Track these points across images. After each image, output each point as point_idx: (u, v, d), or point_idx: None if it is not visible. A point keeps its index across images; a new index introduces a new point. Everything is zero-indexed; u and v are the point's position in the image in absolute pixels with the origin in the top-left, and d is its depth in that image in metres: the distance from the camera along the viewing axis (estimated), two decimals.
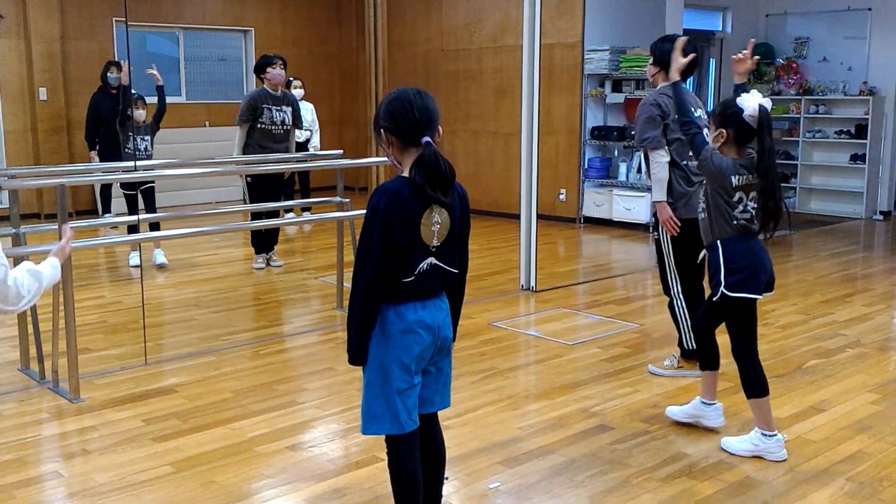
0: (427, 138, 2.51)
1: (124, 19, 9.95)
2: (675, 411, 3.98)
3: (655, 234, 4.55)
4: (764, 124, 3.46)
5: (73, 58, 10.06)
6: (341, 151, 7.13)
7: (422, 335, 2.57)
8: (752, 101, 3.48)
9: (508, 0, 9.82)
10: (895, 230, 9.44)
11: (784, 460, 3.56)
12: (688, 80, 4.71)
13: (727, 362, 4.76)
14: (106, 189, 9.74)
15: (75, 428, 3.93)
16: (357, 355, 2.59)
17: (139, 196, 7.04)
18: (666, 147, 4.42)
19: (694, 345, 4.54)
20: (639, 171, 9.37)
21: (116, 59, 9.67)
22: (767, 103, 3.50)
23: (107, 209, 9.70)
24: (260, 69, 7.08)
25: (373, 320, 2.55)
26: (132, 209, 7.15)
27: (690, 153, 4.36)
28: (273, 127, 7.00)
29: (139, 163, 6.32)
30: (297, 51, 11.71)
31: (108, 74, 9.39)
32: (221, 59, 11.70)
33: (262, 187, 7.01)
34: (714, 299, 3.60)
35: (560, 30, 9.44)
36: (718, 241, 3.58)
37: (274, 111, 6.99)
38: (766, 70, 11.06)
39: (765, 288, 3.61)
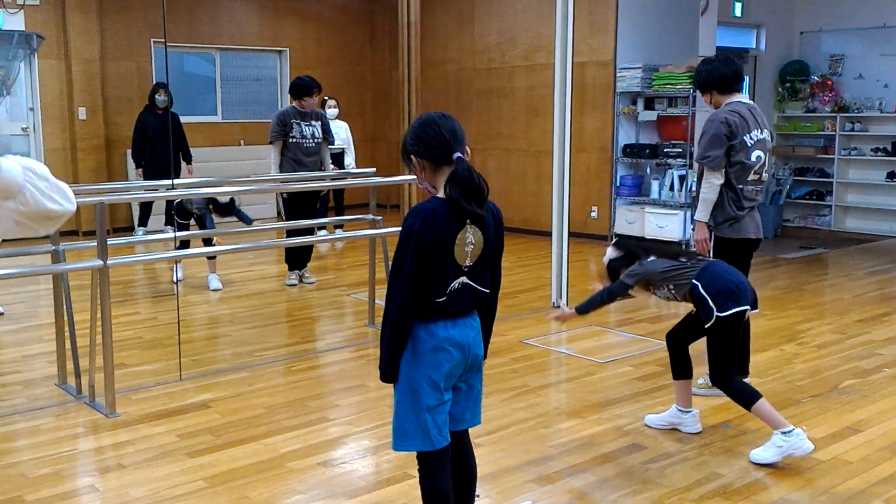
0: (458, 154, 2.53)
1: (163, 40, 10.21)
2: (652, 419, 4.11)
3: (695, 250, 4.52)
4: None
5: (112, 78, 10.25)
6: (374, 169, 7.20)
7: (452, 353, 2.59)
8: None
9: (540, 18, 9.86)
10: None
11: (812, 451, 3.61)
12: (742, 89, 4.65)
13: (760, 381, 4.71)
14: (146, 206, 9.89)
15: (111, 442, 3.98)
16: (389, 373, 2.61)
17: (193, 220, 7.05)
18: (724, 170, 4.33)
19: None
20: (671, 188, 9.32)
21: (163, 82, 9.82)
22: None
23: (143, 224, 9.84)
24: (298, 93, 7.14)
25: (405, 340, 2.57)
26: (170, 223, 7.24)
27: (749, 178, 4.36)
28: (304, 141, 7.09)
29: (176, 181, 6.40)
30: (331, 70, 11.83)
31: (156, 96, 9.57)
32: (257, 79, 11.86)
33: (298, 204, 7.09)
34: (707, 326, 3.71)
35: (592, 48, 9.45)
36: (693, 282, 3.75)
37: (303, 126, 7.08)
38: (801, 87, 10.98)
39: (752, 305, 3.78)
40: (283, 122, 7.04)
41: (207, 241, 6.93)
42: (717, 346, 3.74)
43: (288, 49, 11.74)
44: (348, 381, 4.86)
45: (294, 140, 7.06)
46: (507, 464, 3.69)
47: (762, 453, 3.67)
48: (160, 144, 9.38)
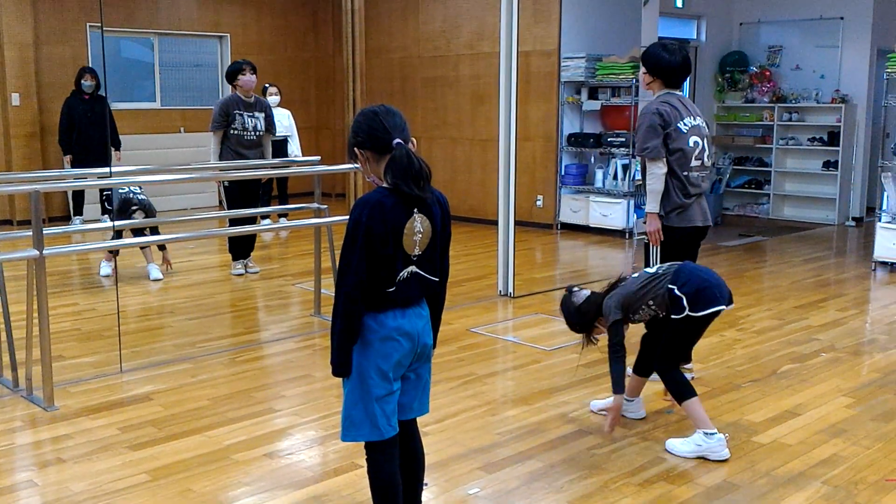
0: (397, 140, 2.51)
1: (99, 24, 9.94)
2: (598, 404, 4.18)
3: (645, 238, 4.57)
4: None
5: (47, 63, 9.96)
6: (318, 158, 7.12)
7: (401, 342, 2.57)
8: None
9: (485, 7, 9.86)
10: (867, 236, 9.54)
11: (726, 459, 3.61)
12: (683, 86, 4.72)
13: (701, 366, 4.80)
14: (78, 194, 9.66)
15: (50, 436, 3.88)
16: (341, 367, 2.58)
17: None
18: (665, 159, 4.37)
19: None
20: (615, 177, 9.43)
21: (90, 67, 9.61)
22: None
23: (78, 213, 9.62)
24: (231, 76, 7.03)
25: (356, 332, 2.55)
26: (107, 213, 7.08)
27: (692, 164, 4.40)
28: (245, 133, 6.96)
29: (114, 168, 6.25)
30: (273, 57, 11.67)
31: (82, 81, 9.36)
32: (197, 64, 11.64)
33: (239, 193, 6.97)
34: (675, 317, 3.69)
35: (537, 37, 9.48)
36: (668, 286, 3.70)
37: (246, 117, 6.95)
38: (740, 78, 11.18)
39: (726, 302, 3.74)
40: (225, 112, 6.90)
41: (153, 230, 6.79)
42: (676, 338, 3.75)
43: (228, 35, 11.54)
44: (294, 372, 4.81)
45: (235, 131, 6.93)
46: (455, 452, 3.70)
47: (679, 446, 3.71)
48: (87, 130, 9.21)
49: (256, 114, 7.02)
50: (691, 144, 4.39)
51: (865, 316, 6.27)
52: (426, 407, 2.80)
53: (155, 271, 7.16)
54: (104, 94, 9.33)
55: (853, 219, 10.53)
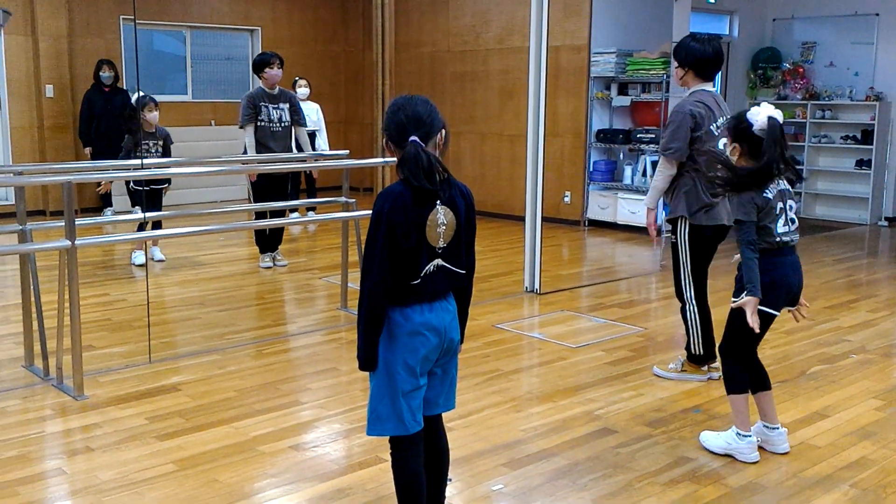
0: (413, 137, 2.51)
1: (132, 17, 10.04)
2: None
3: (673, 237, 4.54)
4: (773, 136, 3.39)
5: (80, 55, 10.08)
6: (347, 152, 7.14)
7: (428, 337, 2.58)
8: (761, 115, 3.44)
9: (515, 2, 9.83)
10: None
11: (756, 462, 3.57)
12: (715, 79, 4.68)
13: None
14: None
15: (79, 425, 3.94)
16: (367, 361, 2.59)
17: (144, 195, 7.04)
18: (681, 161, 4.36)
19: (701, 350, 4.55)
20: (644, 174, 9.36)
21: (107, 59, 9.70)
22: (778, 115, 3.44)
23: (108, 204, 9.72)
24: (258, 67, 7.06)
25: (380, 325, 2.56)
26: (137, 204, 7.18)
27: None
28: (271, 125, 7.00)
29: (145, 161, 6.31)
30: (303, 50, 11.71)
31: (101, 73, 9.47)
32: (227, 58, 11.71)
33: (267, 187, 7.01)
34: (733, 302, 3.54)
35: (567, 32, 9.43)
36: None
37: (271, 109, 6.99)
38: (773, 74, 11.05)
39: (788, 303, 3.61)
40: (252, 105, 6.94)
41: (156, 224, 6.98)
42: (733, 325, 3.59)
43: (259, 28, 11.60)
44: (320, 365, 4.84)
45: (262, 124, 6.96)
46: (479, 448, 3.70)
47: (712, 439, 3.68)
48: (107, 122, 9.26)
49: (281, 105, 7.05)
50: (721, 146, 4.36)
51: None
52: (452, 402, 2.79)
53: (158, 253, 7.46)
54: (126, 87, 9.39)
55: (886, 219, 10.37)
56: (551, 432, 3.89)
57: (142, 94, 7.30)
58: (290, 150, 7.22)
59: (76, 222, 4.26)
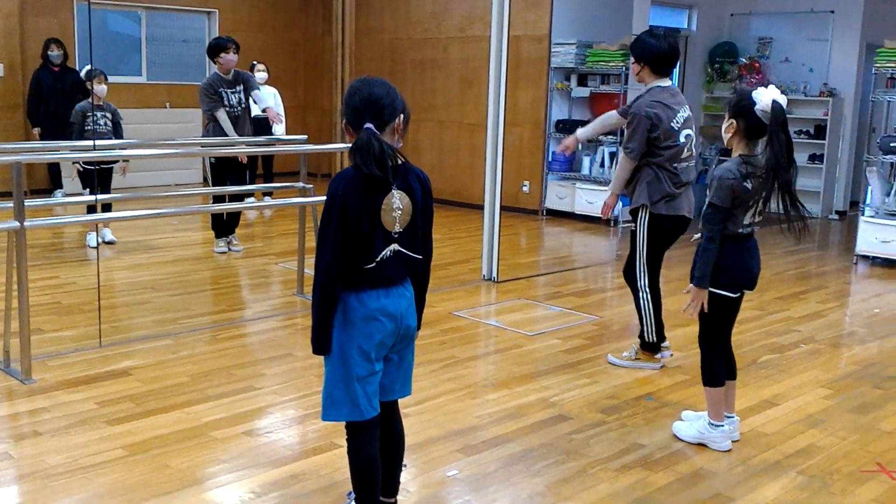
0: (369, 125, 2.49)
1: None
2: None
3: (633, 226, 4.59)
4: (777, 120, 3.38)
5: (32, 34, 9.83)
6: (305, 137, 7.08)
7: (384, 323, 2.56)
8: (765, 96, 3.41)
9: None
10: (850, 230, 9.58)
11: (728, 450, 3.62)
12: (672, 74, 4.73)
13: (682, 355, 4.82)
14: (54, 166, 9.55)
15: (26, 409, 3.86)
16: (320, 344, 2.57)
17: (95, 175, 6.92)
18: (635, 160, 4.44)
19: (655, 338, 4.61)
20: (602, 164, 9.43)
21: (55, 38, 9.49)
22: (782, 100, 3.43)
23: (57, 185, 9.53)
24: (213, 52, 6.96)
25: (333, 307, 2.54)
26: (88, 186, 7.04)
27: (682, 156, 4.43)
28: (231, 110, 6.91)
29: (98, 142, 6.20)
30: (261, 35, 11.57)
31: (49, 52, 9.26)
32: (184, 40, 11.53)
33: (225, 170, 6.92)
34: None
35: (528, 22, 9.44)
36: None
37: (229, 94, 6.90)
38: (730, 69, 11.18)
39: (747, 286, 3.66)
40: (213, 92, 6.83)
41: (106, 206, 6.81)
42: (702, 313, 3.61)
43: (217, 10, 11.43)
44: (275, 351, 4.80)
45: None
46: (434, 434, 3.70)
47: (686, 430, 3.73)
48: (56, 102, 9.08)
49: (237, 88, 6.96)
50: (683, 139, 4.44)
51: (845, 309, 6.32)
52: (408, 389, 2.79)
53: (109, 234, 7.39)
54: (77, 67, 9.21)
55: (837, 212, 10.58)
56: (506, 419, 3.91)
57: (89, 67, 7.09)
58: (250, 134, 7.13)
59: (25, 204, 4.16)
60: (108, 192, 7.04)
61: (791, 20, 10.77)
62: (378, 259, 2.53)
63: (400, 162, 2.54)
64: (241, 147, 6.79)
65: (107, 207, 6.78)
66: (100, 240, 7.26)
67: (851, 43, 10.32)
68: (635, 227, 4.55)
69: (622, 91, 9.10)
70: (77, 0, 10.15)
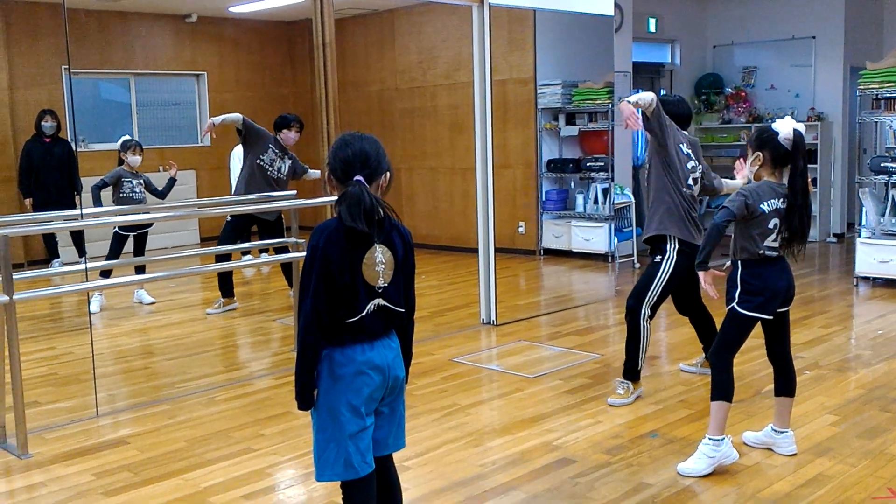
0: (359, 177, 2.48)
1: (72, 67, 9.91)
2: (749, 437, 4.02)
3: (658, 256, 4.64)
4: (798, 146, 3.59)
5: (23, 107, 9.92)
6: (294, 192, 7.10)
7: (371, 376, 2.52)
8: (786, 126, 3.62)
9: (461, 36, 9.88)
10: (848, 252, 9.55)
11: (737, 460, 3.67)
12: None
13: (685, 389, 4.76)
14: (50, 237, 9.56)
15: (23, 485, 3.80)
16: (303, 398, 2.53)
17: (131, 239, 7.11)
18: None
19: (641, 365, 4.65)
20: (595, 201, 9.43)
21: (50, 109, 9.57)
22: (801, 128, 3.64)
23: (54, 255, 9.52)
24: (277, 127, 7.29)
25: (316, 359, 2.50)
26: (114, 253, 7.09)
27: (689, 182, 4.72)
28: (270, 170, 7.13)
29: (85, 211, 6.18)
30: (251, 93, 11.67)
31: (42, 123, 9.32)
32: (175, 103, 11.62)
33: (237, 230, 7.05)
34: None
35: (512, 66, 9.52)
36: (739, 262, 3.73)
37: (276, 157, 7.19)
38: (716, 99, 11.24)
39: (780, 305, 3.77)
40: (265, 145, 7.14)
41: (139, 269, 6.93)
42: (724, 330, 3.79)
43: (205, 72, 11.54)
44: (273, 410, 4.74)
45: (262, 163, 7.10)
46: (438, 485, 3.63)
47: (693, 465, 3.67)
48: (47, 173, 9.12)
49: (286, 158, 7.30)
50: (690, 167, 4.78)
51: (849, 332, 6.25)
52: (402, 441, 2.74)
53: (146, 296, 7.43)
54: (68, 138, 9.29)
55: (834, 235, 10.56)
56: (510, 465, 3.84)
57: (127, 138, 7.37)
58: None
59: (18, 276, 4.15)
60: (143, 255, 7.21)
61: (773, 48, 10.86)
62: (363, 313, 2.50)
63: (383, 216, 2.52)
64: (235, 206, 6.81)
65: (140, 269, 6.91)
66: (136, 301, 7.41)
67: (835, 67, 10.40)
68: (661, 256, 4.59)
69: (610, 128, 9.13)
70: (66, 71, 10.25)
